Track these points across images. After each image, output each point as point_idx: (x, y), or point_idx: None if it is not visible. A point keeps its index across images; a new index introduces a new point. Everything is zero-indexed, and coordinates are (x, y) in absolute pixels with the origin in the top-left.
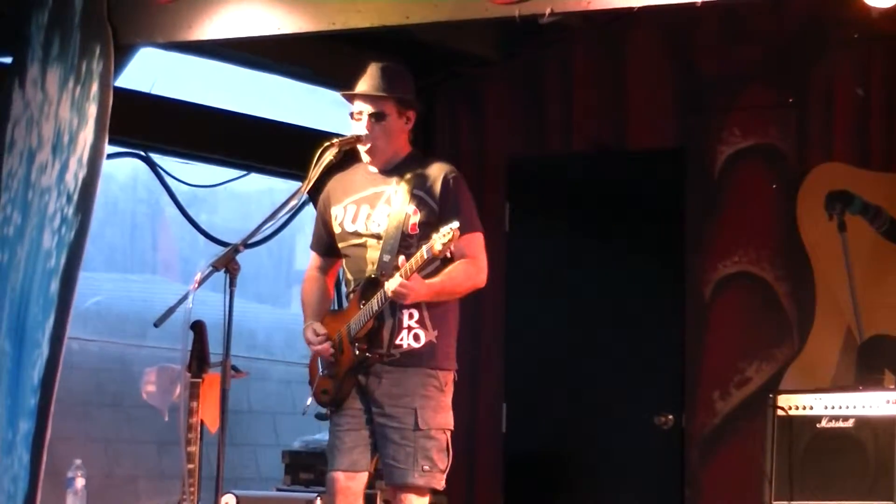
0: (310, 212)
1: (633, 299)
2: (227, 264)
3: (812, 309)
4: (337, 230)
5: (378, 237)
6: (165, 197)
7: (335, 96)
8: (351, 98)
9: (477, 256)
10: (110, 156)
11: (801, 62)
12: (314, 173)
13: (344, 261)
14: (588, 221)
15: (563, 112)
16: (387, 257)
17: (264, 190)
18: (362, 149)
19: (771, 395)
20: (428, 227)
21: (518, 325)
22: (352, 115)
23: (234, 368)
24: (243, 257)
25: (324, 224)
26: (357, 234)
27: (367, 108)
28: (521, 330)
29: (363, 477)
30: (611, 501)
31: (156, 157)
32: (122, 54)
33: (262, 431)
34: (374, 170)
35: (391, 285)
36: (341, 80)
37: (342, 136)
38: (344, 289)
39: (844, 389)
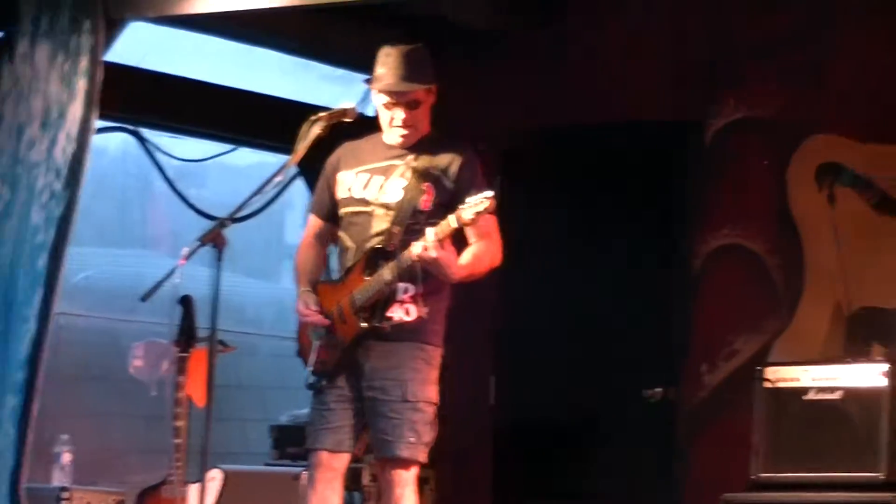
0: (299, 186)
1: (623, 271)
2: (214, 239)
3: (801, 281)
4: (343, 194)
5: (387, 207)
6: (155, 171)
7: (326, 70)
8: (378, 88)
9: (494, 236)
10: (100, 130)
11: (794, 35)
12: (302, 147)
13: (344, 227)
14: (581, 194)
15: (559, 84)
16: (396, 228)
17: (254, 164)
18: (397, 132)
19: (759, 368)
20: (441, 206)
21: (507, 296)
22: (382, 105)
23: (222, 343)
24: (233, 232)
25: (328, 187)
26: (365, 202)
27: (402, 98)
28: (511, 301)
29: (346, 458)
30: (599, 474)
31: (145, 132)
32: (113, 28)
33: (250, 406)
34: (391, 142)
35: (416, 249)
36: (333, 54)
37: (330, 109)
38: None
39: (832, 362)
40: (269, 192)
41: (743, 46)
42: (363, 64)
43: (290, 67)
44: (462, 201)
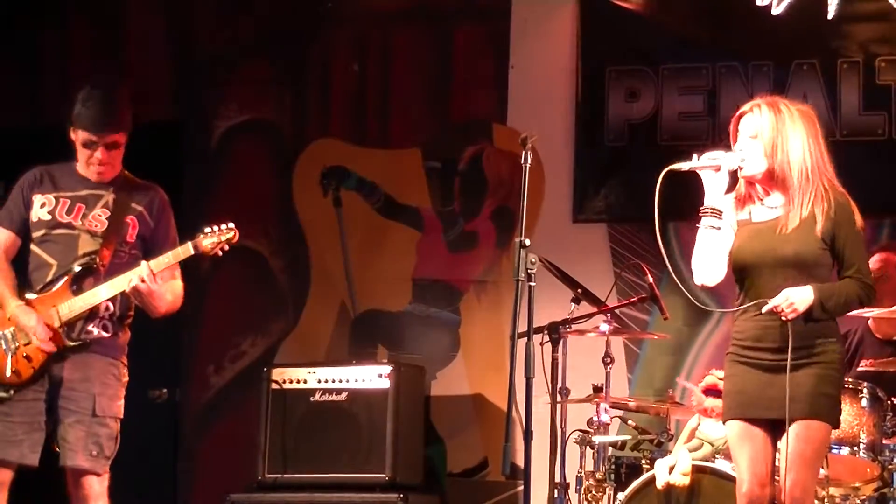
0: None
1: None
2: None
3: (307, 283)
4: (44, 216)
5: (93, 233)
6: None
7: None
8: (79, 127)
9: (179, 278)
10: None
11: (299, 37)
12: None
13: (43, 245)
14: None
15: (58, 84)
16: (106, 252)
17: None
18: (94, 169)
19: (265, 369)
20: (142, 239)
21: None
22: (82, 143)
23: None
24: None
25: (24, 204)
26: (71, 226)
27: (102, 140)
28: None
29: (11, 473)
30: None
31: None
32: None
33: None
34: (88, 176)
35: (133, 280)
36: None
37: None
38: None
39: (337, 363)
40: None
41: (246, 48)
42: None
43: None
44: (156, 239)
